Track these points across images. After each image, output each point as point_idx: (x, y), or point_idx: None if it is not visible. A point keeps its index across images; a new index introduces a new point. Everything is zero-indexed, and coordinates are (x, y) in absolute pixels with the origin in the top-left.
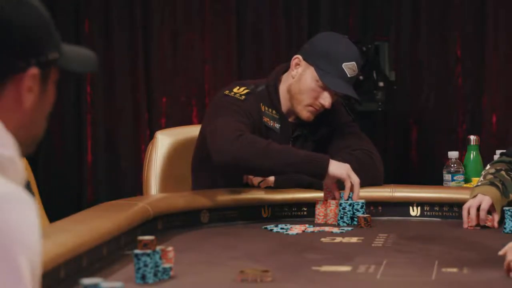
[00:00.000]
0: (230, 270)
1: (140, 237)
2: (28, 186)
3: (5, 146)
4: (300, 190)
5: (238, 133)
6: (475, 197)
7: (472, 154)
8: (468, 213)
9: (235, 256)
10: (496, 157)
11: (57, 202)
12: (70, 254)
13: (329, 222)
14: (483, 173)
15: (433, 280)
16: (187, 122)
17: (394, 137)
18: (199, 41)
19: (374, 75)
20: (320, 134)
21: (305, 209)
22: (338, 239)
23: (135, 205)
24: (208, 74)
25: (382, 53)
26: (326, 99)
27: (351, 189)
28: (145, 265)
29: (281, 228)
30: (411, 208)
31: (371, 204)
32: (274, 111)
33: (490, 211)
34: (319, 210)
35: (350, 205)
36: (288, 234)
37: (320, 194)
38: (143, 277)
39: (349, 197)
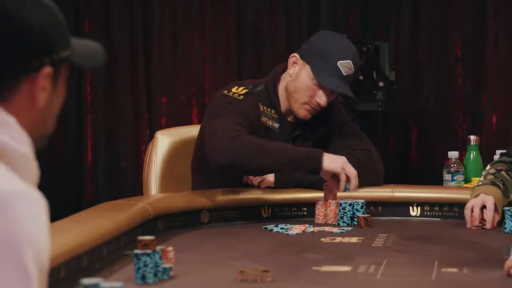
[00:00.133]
0: (230, 270)
1: (140, 237)
2: None
3: (20, 143)
4: (300, 190)
5: (234, 134)
6: (478, 196)
7: (472, 154)
8: (471, 212)
9: (235, 256)
10: (496, 157)
11: (57, 202)
12: (70, 254)
13: (329, 222)
14: (483, 173)
15: (433, 280)
16: (187, 122)
17: (394, 137)
18: (199, 41)
19: (374, 75)
20: (320, 134)
21: (305, 209)
22: (338, 239)
23: (135, 205)
24: (208, 74)
25: (382, 53)
26: (321, 98)
27: (347, 181)
28: (145, 265)
29: (281, 228)
30: (411, 208)
31: (371, 204)
32: (273, 111)
33: None
34: (319, 210)
35: (350, 205)
36: (288, 234)
37: (320, 194)
38: (143, 277)
39: (346, 188)
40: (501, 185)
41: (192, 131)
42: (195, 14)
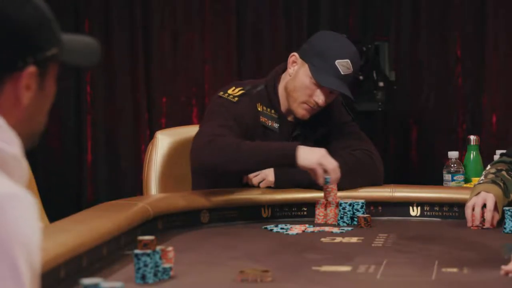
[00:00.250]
0: (230, 270)
1: (140, 237)
2: None
3: (9, 143)
4: (300, 190)
5: (210, 138)
6: (479, 195)
7: (472, 154)
8: (472, 211)
9: (235, 256)
10: (496, 157)
11: (57, 202)
12: (70, 254)
13: (329, 222)
14: (484, 172)
15: (433, 280)
16: (187, 122)
17: (394, 137)
18: (199, 41)
19: (374, 75)
20: (320, 134)
21: (305, 209)
22: (338, 239)
23: (135, 205)
24: (208, 74)
25: (382, 53)
26: (319, 97)
27: (327, 174)
28: (145, 265)
29: (281, 228)
30: (411, 208)
31: (371, 204)
32: (272, 111)
33: None
34: (319, 210)
35: (350, 205)
36: (288, 234)
37: (320, 194)
38: (143, 277)
39: (326, 181)
40: (501, 184)
41: (192, 131)
42: (195, 14)
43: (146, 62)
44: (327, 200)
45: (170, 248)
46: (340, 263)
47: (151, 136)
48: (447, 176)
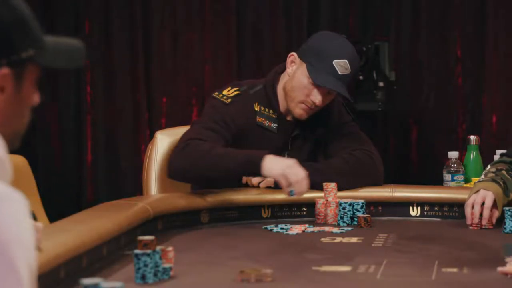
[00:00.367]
0: (230, 270)
1: (140, 237)
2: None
3: None
4: None
5: (184, 144)
6: (478, 192)
7: (472, 154)
8: (472, 209)
9: (235, 256)
10: (496, 157)
11: (57, 202)
12: (70, 254)
13: (329, 222)
14: (484, 172)
15: (433, 280)
16: (187, 122)
17: (394, 137)
18: (199, 41)
19: (374, 75)
20: (320, 134)
21: (305, 209)
22: (338, 239)
23: (135, 205)
24: (208, 74)
25: (382, 53)
26: (317, 97)
27: (291, 186)
28: (145, 265)
29: (281, 228)
30: (411, 208)
31: (371, 204)
32: (271, 111)
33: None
34: (319, 210)
35: (350, 205)
36: (288, 234)
37: (320, 194)
38: (143, 277)
39: (291, 193)
40: (501, 183)
41: None
42: (195, 14)
43: (146, 62)
44: (327, 200)
45: (170, 248)
46: (340, 263)
47: (151, 136)
48: (447, 176)
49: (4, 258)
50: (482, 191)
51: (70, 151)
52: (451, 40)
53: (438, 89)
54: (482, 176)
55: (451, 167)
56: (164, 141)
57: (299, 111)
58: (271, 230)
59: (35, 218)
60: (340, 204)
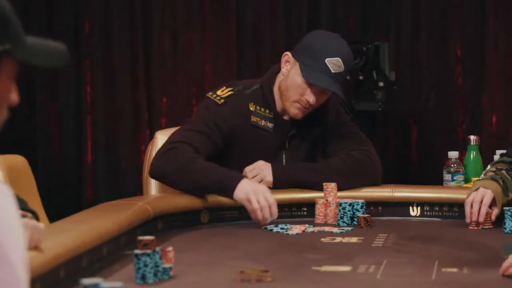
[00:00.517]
0: (230, 270)
1: (140, 237)
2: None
3: None
4: (300, 190)
5: (169, 147)
6: (477, 191)
7: (472, 154)
8: (471, 207)
9: (235, 256)
10: (496, 157)
11: (57, 202)
12: (70, 254)
13: (329, 222)
14: (483, 172)
15: (433, 280)
16: None
17: (394, 137)
18: (199, 41)
19: (374, 75)
20: (317, 133)
21: (305, 209)
22: (338, 239)
23: (135, 205)
24: (208, 74)
25: (382, 53)
26: (310, 96)
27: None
28: (145, 265)
29: (281, 228)
30: (411, 208)
31: (371, 204)
32: (267, 110)
33: (490, 205)
34: (319, 210)
35: (350, 205)
36: (288, 234)
37: (320, 194)
38: (143, 277)
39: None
40: (500, 182)
41: None
42: (195, 14)
43: (146, 62)
44: (327, 200)
45: (170, 248)
46: (340, 263)
47: (151, 136)
48: (447, 176)
49: None
50: (481, 189)
51: (70, 151)
52: (451, 40)
53: (438, 89)
54: (482, 175)
55: (451, 167)
56: (164, 141)
57: (294, 110)
58: (271, 230)
59: (37, 218)
60: (340, 204)
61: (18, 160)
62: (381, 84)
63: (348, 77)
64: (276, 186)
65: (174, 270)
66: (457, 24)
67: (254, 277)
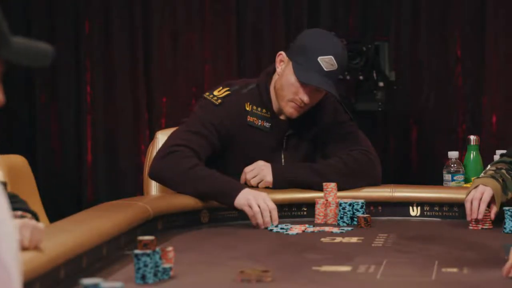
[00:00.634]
0: (230, 270)
1: (140, 237)
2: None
3: None
4: (300, 190)
5: (170, 150)
6: (477, 188)
7: (472, 154)
8: (471, 205)
9: (235, 256)
10: (496, 157)
11: (57, 202)
12: (70, 254)
13: (329, 222)
14: (483, 171)
15: (433, 280)
16: None
17: (394, 137)
18: (199, 41)
19: (374, 75)
20: (314, 133)
21: (305, 209)
22: (338, 239)
23: (135, 205)
24: (208, 74)
25: (382, 53)
26: (304, 94)
27: (260, 216)
28: (145, 265)
29: (281, 228)
30: (411, 208)
31: (371, 204)
32: (264, 110)
33: (489, 203)
34: (319, 210)
35: (350, 205)
36: (288, 234)
37: (320, 194)
38: (143, 277)
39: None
40: (500, 180)
41: None
42: (195, 14)
43: (146, 62)
44: (327, 200)
45: (170, 248)
46: (340, 263)
47: (151, 136)
48: (447, 176)
49: None
50: (480, 187)
51: (70, 151)
52: (451, 40)
53: (438, 89)
54: (482, 174)
55: (451, 167)
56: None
57: (289, 109)
58: (271, 230)
59: (36, 218)
60: (340, 204)
61: (18, 160)
62: (381, 84)
63: (348, 77)
64: (276, 186)
65: (174, 270)
66: (457, 24)
67: (254, 277)
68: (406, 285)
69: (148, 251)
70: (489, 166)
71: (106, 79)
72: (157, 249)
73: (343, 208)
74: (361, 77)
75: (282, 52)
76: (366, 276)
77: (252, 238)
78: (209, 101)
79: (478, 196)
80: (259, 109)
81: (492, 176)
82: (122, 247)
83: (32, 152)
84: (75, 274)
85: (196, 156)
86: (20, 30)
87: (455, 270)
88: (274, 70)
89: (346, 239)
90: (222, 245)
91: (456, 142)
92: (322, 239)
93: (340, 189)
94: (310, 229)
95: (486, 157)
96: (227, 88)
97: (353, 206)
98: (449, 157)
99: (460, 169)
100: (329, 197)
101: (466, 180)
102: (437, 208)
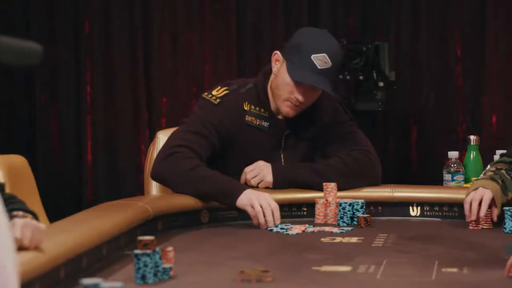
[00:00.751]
0: (230, 270)
1: (140, 237)
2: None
3: None
4: (300, 190)
5: (171, 151)
6: (477, 190)
7: (472, 154)
8: (470, 206)
9: (235, 256)
10: (496, 157)
11: (57, 202)
12: (70, 254)
13: (329, 222)
14: (483, 172)
15: (433, 280)
16: None
17: (394, 137)
18: (199, 41)
19: (374, 75)
20: (314, 132)
21: (305, 209)
22: (338, 239)
23: (135, 205)
24: (208, 74)
25: (382, 53)
26: (299, 93)
27: (264, 215)
28: (145, 265)
29: (281, 228)
30: (411, 208)
31: (371, 204)
32: (262, 110)
33: (490, 205)
34: (319, 210)
35: (350, 205)
36: (288, 234)
37: (320, 194)
38: (143, 277)
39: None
40: (499, 181)
41: None
42: (195, 14)
43: (146, 62)
44: (327, 200)
45: (170, 248)
46: (340, 263)
47: (151, 136)
48: (447, 176)
49: None
50: (480, 189)
51: (70, 151)
52: (451, 40)
53: (438, 89)
54: (481, 175)
55: (451, 167)
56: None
57: (285, 108)
58: (271, 230)
59: (36, 219)
60: (340, 204)
61: (18, 160)
62: (381, 84)
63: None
64: (276, 186)
65: (174, 270)
66: (457, 24)
67: (254, 277)
68: (406, 285)
69: (148, 251)
70: (489, 166)
71: (106, 79)
72: (157, 249)
73: (343, 208)
74: (361, 77)
75: (277, 52)
76: (366, 276)
77: (252, 238)
78: (208, 101)
79: (478, 197)
80: (257, 108)
81: (492, 178)
82: (122, 247)
83: (32, 152)
84: (75, 274)
85: (197, 157)
86: (20, 30)
87: (455, 270)
88: (271, 70)
89: (346, 239)
90: (222, 245)
91: (456, 142)
92: (322, 239)
93: (340, 189)
94: (310, 229)
95: (486, 157)
96: (226, 88)
97: (353, 206)
98: (449, 157)
99: (460, 169)
100: (329, 197)
101: (466, 180)
102: (437, 208)
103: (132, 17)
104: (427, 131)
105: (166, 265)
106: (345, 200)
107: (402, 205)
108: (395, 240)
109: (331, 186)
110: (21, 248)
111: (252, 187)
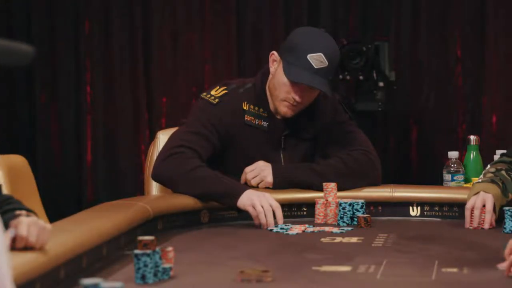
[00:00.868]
0: (230, 270)
1: (140, 237)
2: None
3: None
4: (300, 190)
5: (172, 151)
6: (478, 195)
7: (472, 154)
8: (471, 213)
9: (235, 256)
10: (496, 157)
11: (57, 202)
12: (70, 254)
13: (329, 222)
14: (483, 172)
15: (433, 280)
16: None
17: (394, 137)
18: (199, 41)
19: (374, 75)
20: (313, 132)
21: (305, 209)
22: (338, 239)
23: (135, 205)
24: (208, 74)
25: (382, 53)
26: (295, 93)
27: (265, 216)
28: (145, 265)
29: (281, 228)
30: (411, 208)
31: (371, 204)
32: (261, 109)
33: None
34: (319, 210)
35: (350, 205)
36: (288, 234)
37: (320, 194)
38: (143, 277)
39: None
40: (500, 184)
41: None
42: (195, 14)
43: (146, 62)
44: (327, 200)
45: (170, 248)
46: (340, 263)
47: (151, 136)
48: (447, 176)
49: None
50: (482, 194)
51: (70, 151)
52: (451, 40)
53: (438, 89)
54: (481, 176)
55: (451, 167)
56: (165, 141)
57: (283, 108)
58: (271, 230)
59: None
60: (340, 204)
61: (18, 160)
62: (381, 84)
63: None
64: (276, 186)
65: (174, 270)
66: (457, 24)
67: (254, 277)
68: (406, 285)
69: (148, 251)
70: (488, 166)
71: (106, 79)
72: (157, 249)
73: (343, 208)
74: (361, 77)
75: (274, 52)
76: (366, 276)
77: (252, 238)
78: (207, 101)
79: (479, 205)
80: (256, 108)
81: (492, 180)
82: (122, 247)
83: (32, 152)
84: (75, 274)
85: (197, 157)
86: (20, 30)
87: (455, 270)
88: (268, 71)
89: (346, 239)
90: (222, 245)
91: (456, 142)
92: (322, 239)
93: (340, 189)
94: (310, 229)
95: (486, 157)
96: (224, 88)
97: (353, 206)
98: (449, 157)
99: (460, 169)
100: (329, 197)
101: (466, 180)
102: (437, 208)
103: (132, 17)
104: (427, 131)
105: (166, 265)
106: (345, 200)
107: (402, 205)
108: (395, 240)
109: (331, 186)
110: (26, 246)
111: (252, 187)
